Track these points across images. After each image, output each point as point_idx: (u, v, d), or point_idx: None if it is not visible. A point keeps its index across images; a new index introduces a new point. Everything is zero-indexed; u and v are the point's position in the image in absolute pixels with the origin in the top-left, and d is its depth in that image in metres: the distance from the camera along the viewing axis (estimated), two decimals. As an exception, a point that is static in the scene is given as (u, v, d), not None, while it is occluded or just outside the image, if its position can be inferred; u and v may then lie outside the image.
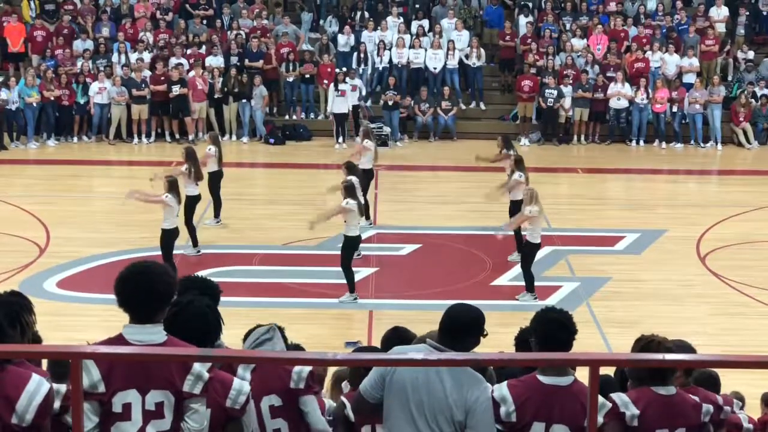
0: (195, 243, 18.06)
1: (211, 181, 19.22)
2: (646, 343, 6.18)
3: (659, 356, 5.57)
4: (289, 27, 28.98)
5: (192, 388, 5.07)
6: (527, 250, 16.31)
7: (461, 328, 5.79)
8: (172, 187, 16.29)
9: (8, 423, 4.60)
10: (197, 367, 5.08)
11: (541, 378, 5.71)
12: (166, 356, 5.06)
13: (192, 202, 17.98)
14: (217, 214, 19.55)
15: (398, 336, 7.11)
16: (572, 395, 5.68)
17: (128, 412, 5.00)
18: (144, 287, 5.09)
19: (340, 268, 16.02)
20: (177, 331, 5.28)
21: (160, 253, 16.12)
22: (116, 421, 5.00)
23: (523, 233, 16.85)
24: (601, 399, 5.65)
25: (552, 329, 5.79)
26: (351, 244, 16.06)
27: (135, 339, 5.05)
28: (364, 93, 27.54)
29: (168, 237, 16.31)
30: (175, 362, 5.06)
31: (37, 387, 4.67)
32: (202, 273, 15.59)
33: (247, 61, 27.76)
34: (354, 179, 16.82)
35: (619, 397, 5.87)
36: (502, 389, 5.74)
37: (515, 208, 17.39)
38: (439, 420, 5.62)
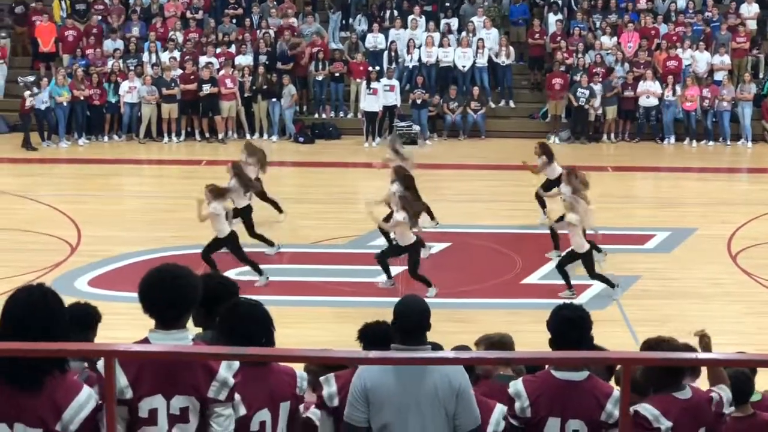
0: (271, 243, 17.86)
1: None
2: (655, 344, 6.17)
3: (692, 355, 5.52)
4: (313, 26, 28.97)
5: (217, 394, 5.06)
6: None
7: (419, 324, 5.66)
8: (216, 195, 15.86)
9: (52, 429, 4.64)
10: (222, 373, 5.06)
11: (555, 373, 5.73)
12: (202, 354, 5.05)
13: (246, 214, 17.63)
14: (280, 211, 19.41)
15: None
16: (587, 390, 5.68)
17: (154, 417, 5.02)
18: (169, 292, 5.05)
19: (371, 267, 16.01)
20: (239, 334, 5.40)
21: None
22: (143, 425, 5.02)
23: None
24: (616, 393, 5.65)
25: (564, 328, 5.77)
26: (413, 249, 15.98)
27: (161, 344, 5.04)
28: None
29: (225, 244, 16.05)
30: (201, 368, 5.04)
31: (86, 400, 4.71)
32: (233, 271, 15.92)
33: (279, 64, 27.79)
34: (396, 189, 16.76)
35: (647, 410, 5.72)
36: (516, 385, 5.78)
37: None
38: (434, 414, 5.53)
